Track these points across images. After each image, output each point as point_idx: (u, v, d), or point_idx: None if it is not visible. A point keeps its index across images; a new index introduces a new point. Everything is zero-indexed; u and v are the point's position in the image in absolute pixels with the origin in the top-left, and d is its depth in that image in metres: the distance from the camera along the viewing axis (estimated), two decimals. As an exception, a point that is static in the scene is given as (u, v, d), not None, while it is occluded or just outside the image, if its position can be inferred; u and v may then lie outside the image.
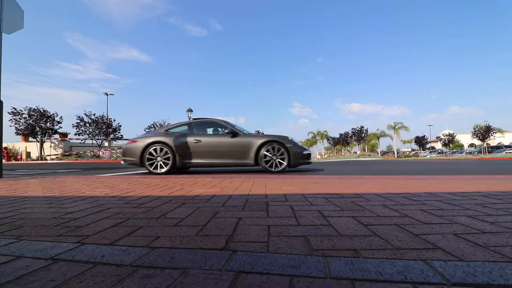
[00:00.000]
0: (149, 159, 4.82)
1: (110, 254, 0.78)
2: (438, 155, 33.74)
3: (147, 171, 5.92)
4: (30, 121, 21.06)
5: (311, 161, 5.25)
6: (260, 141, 4.85)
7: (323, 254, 0.77)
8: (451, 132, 44.21)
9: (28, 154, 20.48)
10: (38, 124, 21.09)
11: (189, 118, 19.28)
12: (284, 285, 0.59)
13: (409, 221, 1.11)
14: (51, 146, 21.33)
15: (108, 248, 0.83)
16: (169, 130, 5.18)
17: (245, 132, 5.25)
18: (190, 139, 4.96)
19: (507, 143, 44.21)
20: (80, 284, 0.60)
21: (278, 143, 4.82)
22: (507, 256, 0.73)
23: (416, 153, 48.95)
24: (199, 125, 5.35)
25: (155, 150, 4.82)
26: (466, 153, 34.53)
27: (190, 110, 19.41)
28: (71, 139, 22.52)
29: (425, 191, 1.96)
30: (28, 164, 13.37)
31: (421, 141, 53.87)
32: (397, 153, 46.37)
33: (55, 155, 20.01)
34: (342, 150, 50.81)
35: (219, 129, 5.37)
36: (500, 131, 35.67)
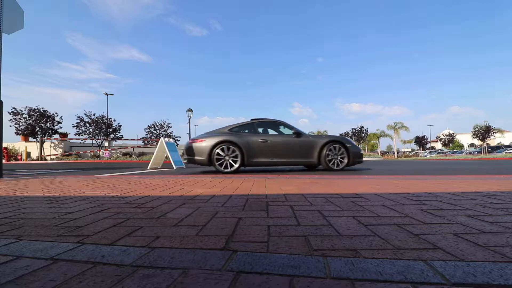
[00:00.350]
0: (217, 158, 4.88)
1: (110, 254, 0.78)
2: (438, 155, 33.74)
3: (148, 170, 5.91)
4: (30, 121, 21.08)
5: (362, 160, 5.56)
6: (323, 141, 5.09)
7: (323, 254, 0.77)
8: (451, 132, 44.21)
9: (28, 154, 20.48)
10: (38, 124, 21.10)
11: (189, 118, 19.33)
12: (284, 285, 0.59)
13: (409, 221, 1.11)
14: (51, 146, 21.32)
15: (108, 248, 0.83)
16: (233, 130, 5.26)
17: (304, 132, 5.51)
18: (257, 139, 5.09)
19: (507, 143, 44.24)
20: (80, 284, 0.60)
21: (339, 143, 5.09)
22: (507, 256, 0.73)
23: (416, 153, 48.95)
24: (261, 125, 5.51)
25: (224, 149, 4.90)
26: (466, 153, 34.54)
27: (190, 110, 19.41)
28: (71, 139, 22.52)
29: (425, 191, 1.96)
30: (28, 164, 13.37)
31: (421, 141, 53.88)
32: (397, 153, 46.34)
33: (55, 155, 20.01)
34: (342, 150, 50.67)
35: (279, 129, 5.57)
36: (500, 131, 35.69)
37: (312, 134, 5.37)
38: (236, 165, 4.86)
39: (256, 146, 5.01)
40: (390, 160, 18.22)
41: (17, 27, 3.99)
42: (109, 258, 0.75)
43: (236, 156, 4.88)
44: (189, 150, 5.13)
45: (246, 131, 5.29)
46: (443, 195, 1.76)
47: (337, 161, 5.07)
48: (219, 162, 4.86)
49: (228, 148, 4.88)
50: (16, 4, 3.99)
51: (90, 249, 0.83)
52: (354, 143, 5.35)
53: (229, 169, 4.84)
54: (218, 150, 4.86)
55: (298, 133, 5.25)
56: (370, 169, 5.98)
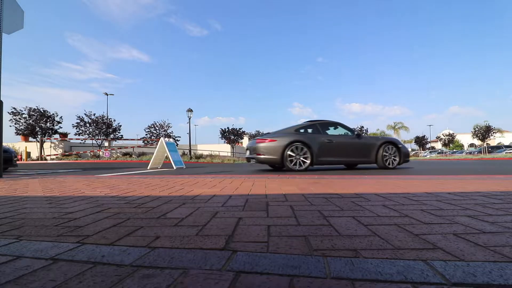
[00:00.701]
0: (289, 158, 5.04)
1: (110, 254, 0.78)
2: (438, 155, 33.73)
3: (148, 170, 5.91)
4: (30, 121, 21.06)
5: (409, 159, 6.05)
6: (380, 142, 5.53)
7: (323, 254, 0.77)
8: (451, 132, 44.23)
9: (28, 154, 20.46)
10: (38, 124, 21.09)
11: (189, 118, 19.33)
12: (284, 285, 0.59)
13: (409, 221, 1.11)
14: (51, 146, 21.31)
15: (108, 248, 0.83)
16: (299, 130, 5.47)
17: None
18: (324, 139, 5.35)
19: (507, 143, 44.20)
20: (80, 284, 0.60)
21: (393, 143, 5.55)
22: (507, 256, 0.73)
23: (416, 153, 48.89)
24: (323, 126, 5.73)
25: (296, 148, 5.07)
26: (466, 153, 34.51)
27: (190, 110, 19.40)
28: (71, 139, 22.50)
29: (425, 191, 1.96)
30: (28, 164, 13.37)
31: (421, 141, 53.83)
32: (397, 153, 46.29)
33: (55, 155, 20.00)
34: (342, 150, 50.71)
35: (338, 130, 5.90)
36: (500, 131, 35.72)
37: (367, 135, 5.97)
38: (306, 164, 5.05)
39: (323, 146, 5.26)
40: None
41: (17, 27, 3.99)
42: (109, 258, 0.75)
43: (306, 155, 5.07)
44: (257, 150, 5.21)
45: (313, 131, 5.55)
46: (443, 195, 1.76)
47: (391, 160, 5.50)
48: (292, 163, 5.02)
49: (299, 148, 5.07)
50: (16, 4, 3.99)
51: (90, 249, 0.83)
52: (404, 144, 5.75)
53: (303, 167, 5.04)
54: (290, 150, 5.03)
55: (358, 134, 5.65)
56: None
